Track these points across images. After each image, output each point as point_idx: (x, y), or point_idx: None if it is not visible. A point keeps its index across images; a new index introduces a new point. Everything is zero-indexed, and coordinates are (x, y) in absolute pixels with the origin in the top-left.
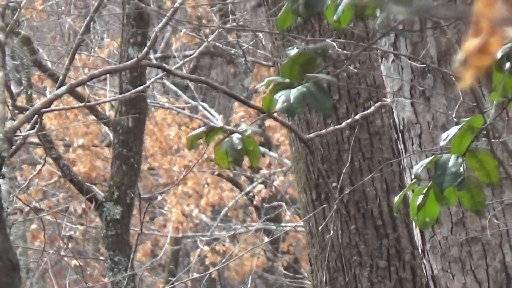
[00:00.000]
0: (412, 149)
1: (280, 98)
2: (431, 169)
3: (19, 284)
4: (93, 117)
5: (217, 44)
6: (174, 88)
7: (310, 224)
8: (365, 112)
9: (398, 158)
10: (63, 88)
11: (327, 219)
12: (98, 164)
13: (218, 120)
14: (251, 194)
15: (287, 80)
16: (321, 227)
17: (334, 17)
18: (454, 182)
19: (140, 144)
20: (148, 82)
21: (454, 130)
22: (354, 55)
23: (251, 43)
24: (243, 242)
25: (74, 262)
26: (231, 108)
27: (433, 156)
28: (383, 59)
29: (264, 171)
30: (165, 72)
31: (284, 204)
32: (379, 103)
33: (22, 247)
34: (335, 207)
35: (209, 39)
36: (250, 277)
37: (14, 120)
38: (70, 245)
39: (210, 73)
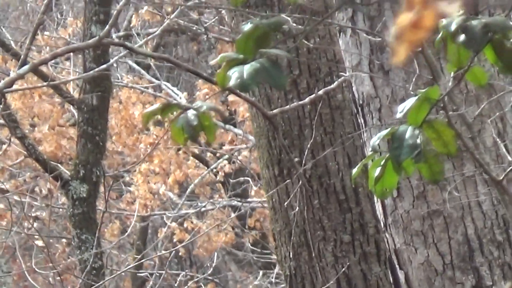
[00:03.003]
0: (372, 123)
1: (234, 74)
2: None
3: None
4: (57, 97)
5: (179, 21)
6: (136, 67)
7: (273, 200)
8: (329, 87)
9: (358, 132)
10: (26, 67)
11: (292, 195)
12: (63, 143)
13: (182, 98)
14: (215, 170)
15: (241, 56)
16: (286, 203)
17: None
18: (411, 154)
19: (105, 122)
20: (111, 61)
21: (410, 102)
22: (308, 30)
23: (214, 20)
24: (210, 218)
25: (41, 242)
26: (195, 85)
27: (391, 128)
28: (341, 33)
29: (228, 147)
30: (127, 50)
31: (250, 179)
32: (342, 78)
33: None
34: (300, 182)
35: (171, 17)
36: (216, 253)
37: None
38: (36, 226)
39: (175, 50)
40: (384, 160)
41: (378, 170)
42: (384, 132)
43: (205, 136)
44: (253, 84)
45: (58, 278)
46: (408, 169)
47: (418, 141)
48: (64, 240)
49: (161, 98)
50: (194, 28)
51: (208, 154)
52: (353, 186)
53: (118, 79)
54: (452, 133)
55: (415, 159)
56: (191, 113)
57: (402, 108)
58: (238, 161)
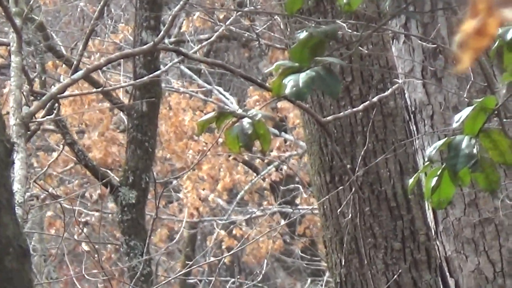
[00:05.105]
0: (424, 130)
1: (289, 82)
2: (444, 151)
3: (29, 270)
4: (107, 102)
5: (231, 28)
6: (189, 72)
7: (324, 207)
8: (383, 94)
9: (411, 139)
10: (80, 73)
11: (345, 202)
12: (113, 150)
13: (233, 104)
14: (263, 177)
15: (296, 64)
16: (339, 210)
17: (344, 0)
18: (468, 163)
19: (155, 128)
20: (164, 67)
21: (466, 111)
22: (364, 37)
23: (265, 26)
24: (259, 225)
25: (89, 248)
26: (246, 92)
27: (446, 138)
28: (395, 40)
29: (275, 153)
30: (181, 56)
31: (300, 186)
32: (396, 85)
33: (39, 233)
34: (352, 189)
35: (227, 23)
36: (266, 260)
37: (29, 106)
38: (86, 231)
39: (226, 56)
40: (440, 171)
41: (434, 180)
42: (440, 142)
43: (259, 144)
44: (308, 92)
45: (108, 284)
46: (465, 179)
47: (475, 150)
48: (109, 246)
49: (211, 104)
50: (246, 34)
51: (257, 160)
52: (405, 194)
53: (168, 84)
54: (509, 143)
55: (472, 169)
56: (246, 122)
57: (459, 118)
58: (288, 168)
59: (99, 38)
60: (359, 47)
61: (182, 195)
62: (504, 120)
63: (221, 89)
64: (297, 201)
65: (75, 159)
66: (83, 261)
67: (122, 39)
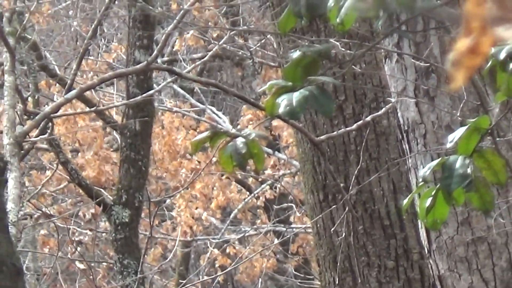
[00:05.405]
0: (417, 149)
1: (283, 102)
2: (437, 171)
3: None
4: (100, 121)
5: (224, 46)
6: (182, 91)
7: (318, 225)
8: (376, 113)
9: (403, 158)
10: (73, 92)
11: (338, 221)
12: (107, 169)
13: (226, 123)
14: (257, 195)
15: (290, 83)
16: (332, 229)
17: (338, 19)
18: (462, 183)
19: (148, 147)
20: (158, 87)
21: (460, 131)
22: (357, 56)
23: (258, 44)
24: (253, 244)
25: (83, 266)
26: (239, 111)
27: (440, 158)
28: (387, 59)
29: (269, 172)
30: (175, 76)
31: (294, 205)
32: (389, 104)
33: (33, 252)
34: (345, 208)
35: (221, 42)
36: (260, 279)
37: (23, 125)
38: (79, 250)
39: (219, 75)
40: (434, 191)
41: (428, 201)
42: (434, 162)
43: (253, 164)
44: (302, 111)
45: None
46: (459, 199)
47: (469, 170)
48: (104, 264)
49: (204, 123)
50: (240, 53)
51: (250, 179)
52: (399, 213)
53: (161, 103)
54: (502, 162)
55: (466, 189)
56: (240, 141)
57: (452, 138)
58: (281, 186)
59: (92, 57)
60: (352, 66)
61: (175, 213)
62: (498, 139)
63: (214, 109)
64: (291, 219)
65: (68, 178)
66: (77, 280)
67: (115, 59)
